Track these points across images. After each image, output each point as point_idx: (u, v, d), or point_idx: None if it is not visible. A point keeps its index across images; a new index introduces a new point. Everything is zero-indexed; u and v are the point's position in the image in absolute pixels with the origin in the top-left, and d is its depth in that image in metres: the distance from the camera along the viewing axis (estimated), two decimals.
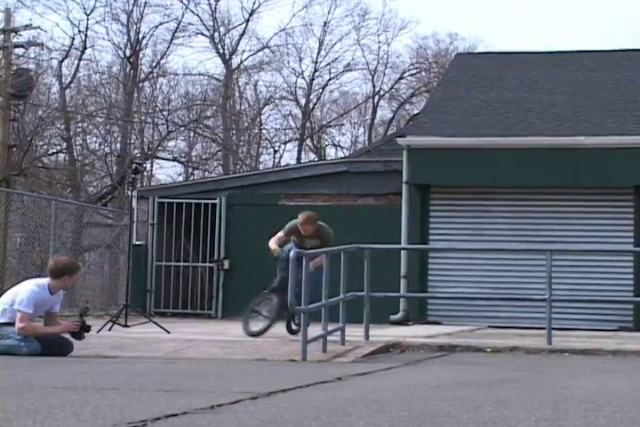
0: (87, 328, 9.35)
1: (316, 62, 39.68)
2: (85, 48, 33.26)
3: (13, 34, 23.63)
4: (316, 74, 39.78)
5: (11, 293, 9.46)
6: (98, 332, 11.08)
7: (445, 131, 16.81)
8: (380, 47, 40.36)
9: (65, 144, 31.37)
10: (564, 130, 16.47)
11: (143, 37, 35.02)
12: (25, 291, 9.24)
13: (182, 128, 36.15)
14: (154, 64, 35.97)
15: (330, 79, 40.00)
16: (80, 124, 32.55)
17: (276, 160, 39.76)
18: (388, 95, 40.80)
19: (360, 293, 11.74)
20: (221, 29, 38.83)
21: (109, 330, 12.00)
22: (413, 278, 16.46)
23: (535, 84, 18.71)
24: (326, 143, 42.07)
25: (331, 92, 40.80)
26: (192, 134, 37.66)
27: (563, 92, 18.17)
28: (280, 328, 11.66)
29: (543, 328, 11.65)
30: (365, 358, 10.02)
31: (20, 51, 25.32)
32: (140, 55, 35.16)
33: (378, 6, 67.07)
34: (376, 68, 40.08)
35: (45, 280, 9.39)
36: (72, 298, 17.07)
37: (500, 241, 16.07)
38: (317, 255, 10.71)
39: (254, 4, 38.77)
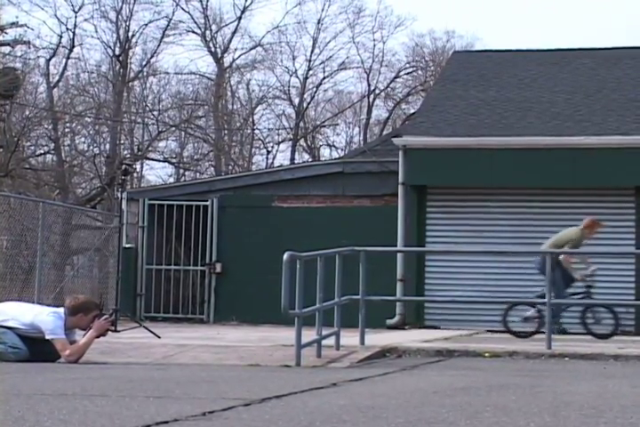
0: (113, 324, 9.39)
1: (310, 61, 39.74)
2: (73, 46, 33.30)
3: None
4: (310, 72, 39.84)
5: (20, 311, 9.38)
6: None
7: (442, 130, 16.83)
8: (375, 45, 40.39)
9: (53, 145, 31.37)
10: (564, 130, 16.50)
11: (133, 35, 35.05)
12: (49, 321, 9.12)
13: (173, 128, 36.16)
14: (144, 63, 36.01)
15: (324, 78, 40.07)
16: (68, 125, 32.55)
17: (269, 161, 39.81)
18: (383, 94, 40.85)
19: (355, 296, 11.74)
20: (213, 27, 38.90)
21: None
22: (410, 282, 16.47)
23: (534, 83, 18.73)
24: (320, 143, 42.14)
25: (325, 91, 40.87)
26: (183, 135, 37.67)
27: (562, 91, 18.20)
28: (279, 332, 11.62)
29: (543, 332, 11.65)
30: (361, 363, 10.02)
31: (6, 49, 25.32)
32: (130, 54, 35.18)
33: (373, 3, 67.18)
34: (371, 66, 40.16)
35: (61, 311, 9.34)
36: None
37: (499, 243, 16.08)
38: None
39: (246, 1, 38.83)
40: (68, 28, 33.19)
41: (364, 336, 11.54)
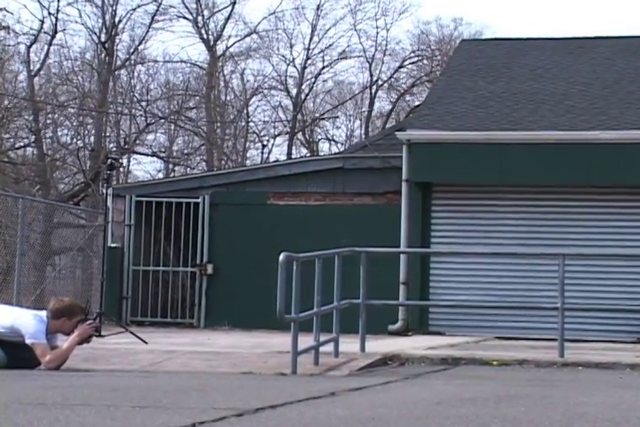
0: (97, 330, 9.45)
1: (309, 49, 39.76)
2: (56, 32, 33.26)
3: None
4: (309, 62, 39.86)
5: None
6: None
7: (449, 124, 16.83)
8: (378, 33, 40.42)
9: (33, 137, 31.34)
10: (579, 124, 16.51)
11: (120, 21, 35.03)
12: (29, 324, 9.13)
13: (162, 120, 36.15)
14: (131, 50, 35.98)
15: (323, 67, 40.09)
16: (50, 116, 32.52)
17: (265, 156, 39.84)
18: (386, 85, 40.88)
19: (356, 300, 11.75)
20: (205, 13, 38.90)
21: None
22: (414, 285, 16.47)
23: (547, 74, 18.74)
24: (319, 137, 42.17)
25: (324, 81, 40.90)
26: (173, 127, 37.68)
27: (577, 83, 18.21)
28: (274, 338, 11.64)
29: (555, 340, 11.67)
30: (361, 371, 10.04)
31: None
32: (116, 40, 35.16)
33: None
34: (374, 55, 40.17)
35: (44, 314, 9.34)
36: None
37: (509, 245, 16.09)
38: None
39: None
40: (50, 13, 33.16)
41: (364, 343, 11.55)
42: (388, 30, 41.84)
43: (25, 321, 9.19)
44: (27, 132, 31.59)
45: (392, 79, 40.75)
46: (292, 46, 40.30)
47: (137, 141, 35.29)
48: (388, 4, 46.68)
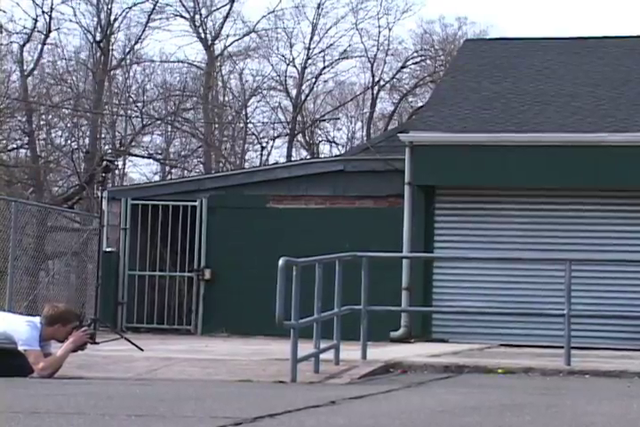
0: (92, 337, 9.47)
1: (309, 49, 39.76)
2: (50, 31, 33.29)
3: None
4: (309, 62, 39.86)
5: None
6: None
7: (453, 126, 16.84)
8: (380, 32, 40.38)
9: (27, 139, 31.37)
10: (586, 125, 16.51)
11: (115, 19, 35.07)
12: (22, 330, 9.13)
13: (159, 121, 36.17)
14: (127, 50, 36.01)
15: (324, 68, 40.08)
16: (44, 117, 32.55)
17: (264, 158, 39.82)
18: (388, 86, 40.88)
19: (357, 306, 11.75)
20: (203, 11, 38.91)
21: None
22: (416, 291, 16.47)
23: (554, 74, 18.75)
24: (320, 139, 42.15)
25: (325, 82, 40.89)
26: (170, 129, 37.69)
27: (584, 84, 18.21)
28: (273, 345, 11.63)
29: (561, 347, 11.67)
30: (362, 379, 10.03)
31: None
32: (112, 39, 35.20)
33: None
34: (376, 55, 40.17)
35: (37, 320, 9.34)
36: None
37: (514, 249, 16.09)
38: None
39: None
40: (43, 11, 33.21)
41: (365, 350, 11.55)
42: (390, 29, 41.76)
43: (18, 328, 9.19)
44: (20, 133, 31.63)
45: (394, 80, 40.76)
46: (291, 46, 40.32)
47: (133, 143, 35.30)
48: (390, 3, 46.64)
